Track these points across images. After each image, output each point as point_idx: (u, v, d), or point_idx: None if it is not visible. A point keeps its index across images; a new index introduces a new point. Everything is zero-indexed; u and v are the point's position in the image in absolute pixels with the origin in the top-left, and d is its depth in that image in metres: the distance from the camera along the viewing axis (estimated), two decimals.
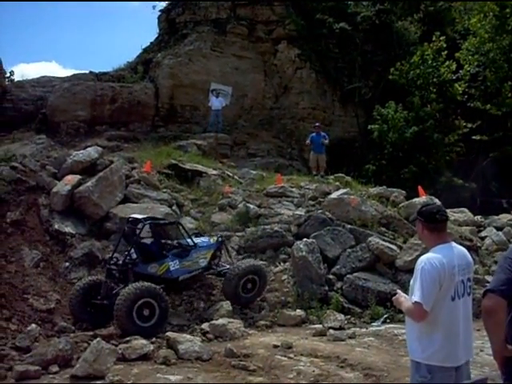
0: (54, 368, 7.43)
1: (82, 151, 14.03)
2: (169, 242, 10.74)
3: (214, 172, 16.57)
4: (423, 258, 4.13)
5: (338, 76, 25.01)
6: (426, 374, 4.04)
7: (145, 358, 7.99)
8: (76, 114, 20.42)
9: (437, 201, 13.46)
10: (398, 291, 4.48)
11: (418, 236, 11.05)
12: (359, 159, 22.71)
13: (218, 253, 11.33)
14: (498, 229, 14.99)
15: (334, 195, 14.27)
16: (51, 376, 7.28)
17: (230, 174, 17.10)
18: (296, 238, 12.71)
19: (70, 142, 19.22)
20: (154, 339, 8.72)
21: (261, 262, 11.63)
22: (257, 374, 7.51)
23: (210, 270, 11.12)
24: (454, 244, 4.30)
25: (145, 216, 10.52)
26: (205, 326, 9.71)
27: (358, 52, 24.87)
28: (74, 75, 22.95)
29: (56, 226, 11.84)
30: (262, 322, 10.38)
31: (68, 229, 11.90)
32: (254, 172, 17.87)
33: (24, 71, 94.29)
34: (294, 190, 15.74)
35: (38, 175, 12.82)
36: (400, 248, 12.41)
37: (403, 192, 15.58)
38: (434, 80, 23.71)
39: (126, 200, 13.09)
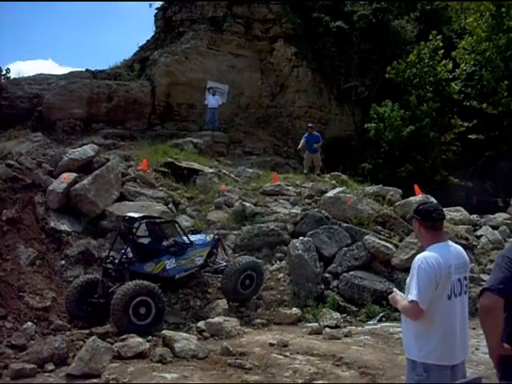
0: (50, 366, 7.43)
1: (78, 149, 14.00)
2: (165, 240, 10.74)
3: (211, 170, 16.57)
4: (420, 256, 4.13)
5: (334, 74, 24.97)
6: (422, 373, 4.05)
7: (141, 356, 7.98)
8: (72, 112, 20.36)
9: (433, 199, 13.47)
10: (394, 289, 4.47)
11: (414, 234, 11.11)
12: (355, 158, 22.73)
13: (214, 250, 11.33)
14: (494, 228, 15.00)
15: (331, 194, 14.29)
16: (47, 374, 7.28)
17: (227, 173, 17.10)
18: (292, 237, 12.73)
19: (67, 139, 19.17)
20: (149, 337, 8.71)
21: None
22: (253, 372, 7.52)
23: (206, 268, 11.13)
24: (450, 243, 4.30)
25: (141, 215, 10.51)
26: (201, 324, 9.73)
27: (355, 51, 24.83)
28: (71, 73, 22.89)
29: (52, 224, 11.83)
30: (258, 321, 10.39)
31: (64, 227, 11.90)
32: (251, 170, 17.89)
33: (20, 69, 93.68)
34: (290, 188, 15.76)
35: (34, 173, 12.78)
36: (396, 246, 12.42)
37: (399, 191, 15.60)
38: (431, 79, 23.72)
39: (122, 198, 13.08)
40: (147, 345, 8.29)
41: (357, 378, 7.39)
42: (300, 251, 11.68)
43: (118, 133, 20.30)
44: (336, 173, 17.86)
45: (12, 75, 22.67)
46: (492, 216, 15.97)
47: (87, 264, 11.32)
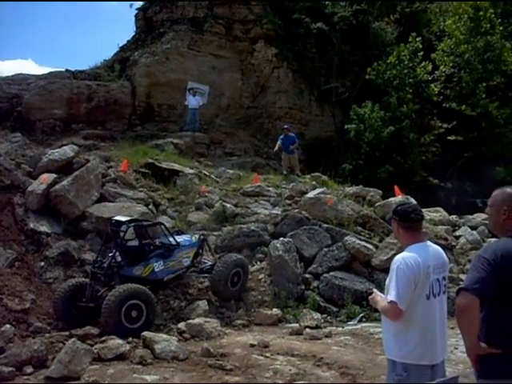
0: (29, 369, 7.37)
1: (57, 150, 13.90)
2: (151, 243, 10.73)
3: (191, 171, 16.54)
4: (398, 257, 4.15)
5: (315, 76, 25.06)
6: (401, 373, 4.06)
7: (121, 357, 7.96)
8: (52, 113, 20.18)
9: (412, 200, 13.55)
10: (374, 290, 4.49)
11: (393, 235, 11.15)
12: (336, 158, 22.79)
13: (200, 251, 11.41)
14: (473, 228, 15.17)
15: (311, 194, 14.32)
16: (26, 377, 7.22)
17: (207, 173, 17.09)
18: (272, 238, 12.76)
19: (46, 140, 18.99)
20: (130, 339, 8.66)
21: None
22: (233, 373, 7.52)
23: (192, 268, 11.16)
24: (429, 243, 4.32)
25: (128, 218, 10.48)
26: (181, 325, 9.71)
27: (335, 52, 24.90)
28: (50, 73, 22.68)
29: (31, 225, 11.72)
30: (239, 322, 10.40)
31: (43, 228, 11.79)
32: (231, 171, 17.89)
33: None
34: (270, 189, 15.78)
35: (13, 174, 12.67)
36: (376, 247, 12.49)
37: (379, 191, 15.70)
38: (410, 80, 23.87)
39: (102, 199, 13.01)
40: (127, 346, 8.26)
41: (337, 378, 7.41)
42: (280, 252, 11.71)
43: (98, 133, 20.16)
44: (316, 173, 17.90)
45: None
46: (471, 216, 16.14)
47: (67, 265, 11.22)
